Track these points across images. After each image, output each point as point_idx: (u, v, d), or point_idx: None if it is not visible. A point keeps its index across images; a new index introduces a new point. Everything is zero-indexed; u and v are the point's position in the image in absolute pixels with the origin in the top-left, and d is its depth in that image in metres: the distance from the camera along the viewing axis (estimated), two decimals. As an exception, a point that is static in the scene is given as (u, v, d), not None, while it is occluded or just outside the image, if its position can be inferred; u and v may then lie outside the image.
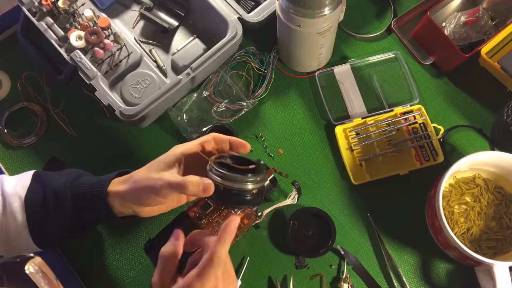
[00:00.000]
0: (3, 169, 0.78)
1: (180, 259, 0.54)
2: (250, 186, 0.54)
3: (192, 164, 0.58)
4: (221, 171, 0.54)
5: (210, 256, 0.51)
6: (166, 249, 0.54)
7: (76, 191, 0.59)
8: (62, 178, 0.61)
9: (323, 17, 0.67)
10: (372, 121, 0.78)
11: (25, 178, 0.62)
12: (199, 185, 0.53)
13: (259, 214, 0.68)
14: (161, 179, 0.54)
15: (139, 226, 0.75)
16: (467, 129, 0.79)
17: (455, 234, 0.65)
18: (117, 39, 0.77)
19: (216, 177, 0.54)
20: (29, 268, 0.41)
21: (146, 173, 0.57)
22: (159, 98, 0.72)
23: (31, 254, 0.42)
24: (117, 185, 0.58)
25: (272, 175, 0.70)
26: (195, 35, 0.82)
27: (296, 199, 0.71)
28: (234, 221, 0.53)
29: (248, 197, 0.55)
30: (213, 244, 0.51)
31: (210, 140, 0.58)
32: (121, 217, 0.60)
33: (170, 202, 0.61)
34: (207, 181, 0.53)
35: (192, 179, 0.53)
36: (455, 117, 0.79)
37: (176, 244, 0.54)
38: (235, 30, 0.75)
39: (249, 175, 0.55)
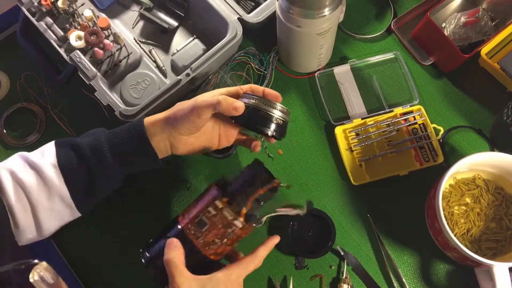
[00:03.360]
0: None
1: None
2: (277, 112, 0.61)
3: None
4: (254, 95, 0.61)
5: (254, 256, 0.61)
6: (171, 254, 0.57)
7: (112, 133, 0.62)
8: (89, 136, 0.63)
9: (323, 18, 0.67)
10: (372, 122, 0.78)
11: (48, 148, 0.63)
12: (232, 102, 0.59)
13: (259, 220, 0.62)
14: (196, 98, 0.61)
15: (138, 227, 0.75)
16: (467, 130, 0.79)
17: (455, 235, 0.65)
18: (116, 39, 0.76)
19: (248, 99, 0.61)
20: (34, 276, 0.41)
21: (184, 101, 0.62)
22: (159, 98, 0.72)
23: (36, 261, 0.43)
24: (156, 116, 0.63)
25: (272, 185, 0.62)
26: (194, 36, 0.82)
27: (301, 213, 0.64)
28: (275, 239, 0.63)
29: (274, 122, 0.61)
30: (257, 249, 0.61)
31: (248, 88, 0.64)
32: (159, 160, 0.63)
33: (204, 138, 0.64)
34: (239, 102, 0.60)
35: (225, 96, 0.59)
36: (455, 117, 0.79)
37: (178, 246, 0.58)
38: (235, 31, 0.75)
39: (278, 104, 0.61)
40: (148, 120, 0.62)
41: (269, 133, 0.61)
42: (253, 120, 0.60)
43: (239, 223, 0.59)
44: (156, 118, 0.62)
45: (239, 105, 0.59)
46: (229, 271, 0.58)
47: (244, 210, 0.60)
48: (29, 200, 0.60)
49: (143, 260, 0.62)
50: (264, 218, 0.62)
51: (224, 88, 0.64)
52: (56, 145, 0.63)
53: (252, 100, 0.60)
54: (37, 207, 0.60)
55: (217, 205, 0.59)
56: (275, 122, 0.61)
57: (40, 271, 0.41)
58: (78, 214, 0.64)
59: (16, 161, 0.62)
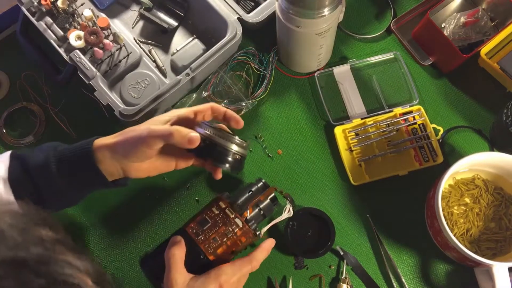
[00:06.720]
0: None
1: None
2: (234, 147, 0.58)
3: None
4: (211, 126, 0.57)
5: (250, 258, 0.62)
6: (174, 251, 0.59)
7: (61, 155, 0.58)
8: (41, 152, 0.59)
9: (323, 18, 0.67)
10: (372, 122, 0.78)
11: (2, 159, 0.60)
12: (186, 134, 0.54)
13: (257, 233, 0.66)
14: (148, 128, 0.55)
15: (138, 227, 0.75)
16: (466, 130, 0.79)
17: (454, 235, 0.65)
18: (116, 39, 0.76)
19: (204, 130, 0.57)
20: None
21: (136, 126, 0.58)
22: (158, 98, 0.72)
23: None
24: (106, 139, 0.58)
25: (273, 194, 0.69)
26: (194, 36, 0.82)
27: (292, 211, 0.70)
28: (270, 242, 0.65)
29: (230, 158, 0.58)
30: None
31: (208, 109, 0.61)
32: (111, 182, 0.59)
33: (159, 162, 0.61)
34: (194, 133, 0.55)
35: (179, 128, 0.55)
36: (455, 117, 0.79)
37: (181, 244, 0.60)
38: (234, 31, 0.75)
39: (236, 137, 0.58)
40: (97, 143, 0.58)
41: (224, 169, 0.59)
42: (208, 154, 0.58)
43: (239, 221, 0.64)
44: (105, 142, 0.58)
45: (194, 138, 0.54)
46: (221, 269, 0.60)
47: (245, 214, 0.65)
48: None
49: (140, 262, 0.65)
50: (263, 231, 0.68)
51: (177, 110, 0.60)
52: (11, 157, 0.60)
53: (208, 132, 0.57)
54: None
55: (221, 205, 0.65)
56: (231, 157, 0.58)
57: None
58: None
59: None
